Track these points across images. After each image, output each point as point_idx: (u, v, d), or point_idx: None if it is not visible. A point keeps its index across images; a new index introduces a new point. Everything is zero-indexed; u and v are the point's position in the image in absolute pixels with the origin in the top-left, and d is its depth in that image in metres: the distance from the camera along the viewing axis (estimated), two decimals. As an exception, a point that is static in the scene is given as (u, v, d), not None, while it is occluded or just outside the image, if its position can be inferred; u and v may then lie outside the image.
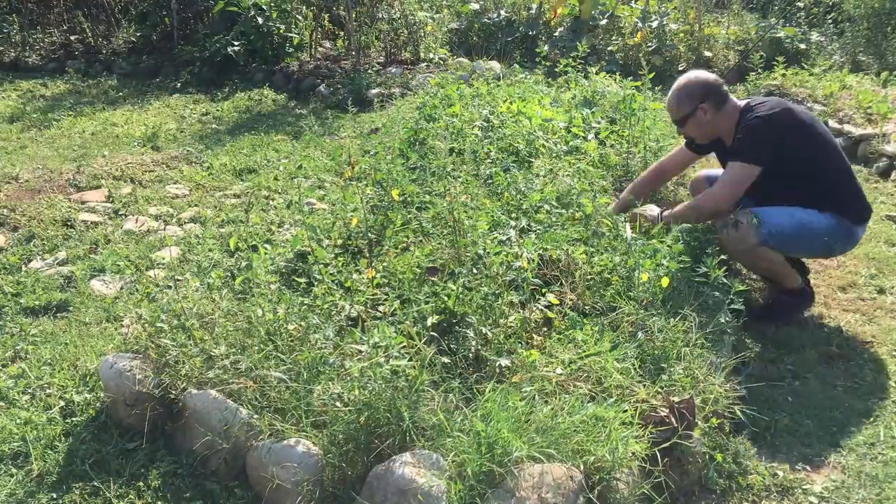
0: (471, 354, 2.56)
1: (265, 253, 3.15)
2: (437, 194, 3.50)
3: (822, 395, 2.92)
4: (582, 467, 2.09)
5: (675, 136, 4.66)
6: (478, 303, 2.69)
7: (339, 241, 3.35)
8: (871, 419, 2.78)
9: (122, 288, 3.69)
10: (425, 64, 8.66)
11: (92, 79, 9.14)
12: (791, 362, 3.13)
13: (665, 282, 2.79)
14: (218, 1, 8.80)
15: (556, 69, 6.28)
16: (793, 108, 3.27)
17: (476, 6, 9.60)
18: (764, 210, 3.20)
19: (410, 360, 2.34)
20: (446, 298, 2.69)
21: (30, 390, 2.84)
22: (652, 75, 4.97)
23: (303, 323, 2.59)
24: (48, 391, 2.83)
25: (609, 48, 8.50)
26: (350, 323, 2.70)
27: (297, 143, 6.34)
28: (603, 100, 5.23)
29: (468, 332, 2.60)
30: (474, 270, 2.85)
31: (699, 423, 2.41)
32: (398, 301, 2.74)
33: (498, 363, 2.48)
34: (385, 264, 3.04)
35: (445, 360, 2.49)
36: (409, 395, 2.25)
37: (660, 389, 2.42)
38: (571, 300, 2.89)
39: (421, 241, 3.22)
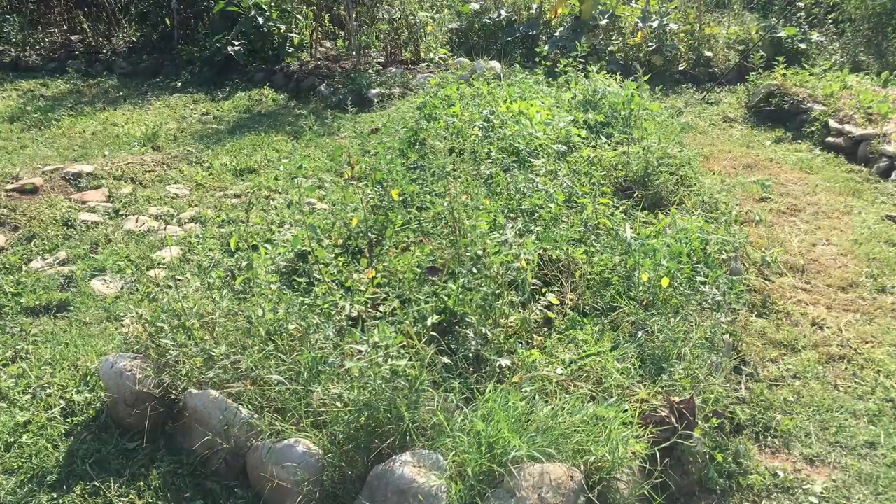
0: (471, 354, 2.56)
1: (265, 253, 3.15)
2: (437, 194, 3.50)
3: (822, 395, 2.92)
4: (582, 467, 2.09)
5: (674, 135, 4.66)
6: (478, 303, 2.69)
7: (340, 241, 3.35)
8: (871, 419, 2.78)
9: (122, 288, 3.69)
10: (426, 64, 8.65)
11: (92, 78, 9.14)
12: (791, 362, 3.13)
13: (665, 282, 2.79)
14: (218, 1, 8.80)
15: (557, 69, 6.28)
16: None
17: (476, 6, 9.59)
18: None
19: (410, 360, 2.34)
20: (446, 298, 2.69)
21: (30, 390, 2.85)
22: (647, 77, 4.98)
23: (303, 323, 2.59)
24: (48, 391, 2.83)
25: (609, 48, 8.50)
26: (350, 323, 2.71)
27: (297, 142, 6.34)
28: (603, 100, 5.23)
29: (468, 332, 2.60)
30: (474, 270, 2.85)
31: (699, 423, 2.42)
32: (398, 301, 2.74)
33: (498, 363, 2.48)
34: (385, 264, 3.05)
35: (445, 360, 2.49)
36: (409, 395, 2.25)
37: (660, 389, 2.42)
38: (571, 300, 2.89)
39: (421, 241, 3.22)
